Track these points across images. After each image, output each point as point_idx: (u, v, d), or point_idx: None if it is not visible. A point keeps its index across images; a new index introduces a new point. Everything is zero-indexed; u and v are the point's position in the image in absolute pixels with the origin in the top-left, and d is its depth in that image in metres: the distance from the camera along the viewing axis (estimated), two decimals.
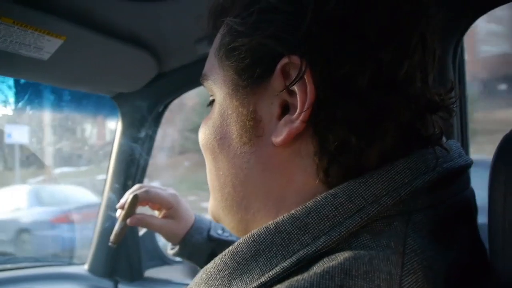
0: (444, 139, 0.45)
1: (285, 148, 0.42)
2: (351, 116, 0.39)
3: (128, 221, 0.83)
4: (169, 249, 0.92)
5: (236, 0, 0.44)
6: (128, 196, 0.85)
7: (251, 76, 0.43)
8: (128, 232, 1.34)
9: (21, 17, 0.77)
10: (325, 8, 0.38)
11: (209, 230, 0.89)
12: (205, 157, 0.51)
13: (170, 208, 0.87)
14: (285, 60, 0.40)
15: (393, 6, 0.39)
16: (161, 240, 1.45)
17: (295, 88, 0.40)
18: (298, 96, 0.40)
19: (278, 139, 0.42)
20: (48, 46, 0.88)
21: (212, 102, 0.50)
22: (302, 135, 0.41)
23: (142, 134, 1.33)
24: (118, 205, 0.86)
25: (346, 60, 0.38)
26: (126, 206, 0.83)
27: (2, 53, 0.85)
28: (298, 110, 0.40)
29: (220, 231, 0.90)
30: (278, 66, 0.41)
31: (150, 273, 1.43)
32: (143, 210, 0.88)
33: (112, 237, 0.85)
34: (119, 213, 0.85)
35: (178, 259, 1.42)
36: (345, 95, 0.39)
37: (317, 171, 0.41)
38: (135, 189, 0.86)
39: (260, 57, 0.42)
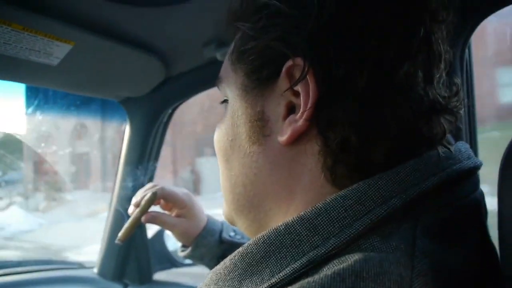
0: (452, 140, 0.45)
1: (291, 147, 0.44)
2: (351, 115, 0.39)
3: (142, 218, 0.83)
4: (179, 251, 0.92)
5: (248, 5, 0.45)
6: (142, 194, 0.84)
7: (259, 78, 0.45)
8: (137, 235, 1.36)
9: (31, 24, 0.78)
10: (327, 11, 0.39)
11: (221, 232, 0.89)
12: (218, 159, 0.52)
13: (184, 208, 0.87)
14: (290, 62, 0.42)
15: (394, 8, 0.39)
16: (170, 244, 1.46)
17: (299, 88, 0.41)
18: (301, 96, 0.41)
19: (283, 138, 0.43)
20: (57, 51, 0.89)
21: (224, 101, 0.52)
22: (307, 134, 0.42)
23: (150, 138, 1.33)
24: (133, 202, 0.85)
25: (345, 60, 0.39)
26: (142, 203, 0.83)
27: (12, 59, 0.86)
28: (301, 109, 0.41)
29: (232, 233, 0.90)
30: (284, 68, 0.42)
31: (159, 276, 1.44)
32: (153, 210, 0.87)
33: (120, 234, 0.84)
34: (132, 210, 0.85)
35: (187, 262, 1.42)
36: (345, 95, 0.39)
37: (323, 170, 0.42)
38: (148, 187, 0.86)
39: (268, 59, 0.44)
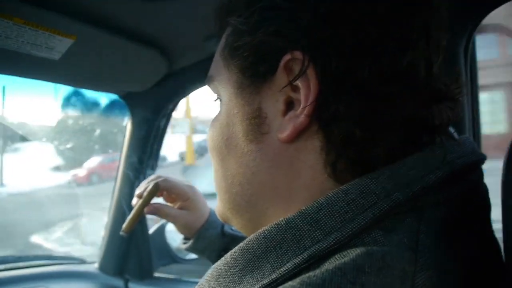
0: (455, 133, 0.45)
1: (291, 144, 0.42)
2: (354, 109, 0.39)
3: (145, 209, 0.83)
4: (181, 243, 0.92)
5: (238, 0, 0.44)
6: (145, 185, 0.84)
7: (255, 74, 0.44)
8: (138, 230, 1.36)
9: (33, 18, 0.78)
10: (325, 2, 0.38)
11: (223, 225, 0.89)
12: (212, 158, 0.51)
13: (187, 200, 0.86)
14: (288, 56, 0.40)
15: None
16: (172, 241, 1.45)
17: (299, 83, 0.40)
18: (301, 91, 0.40)
19: (283, 135, 0.42)
20: (59, 46, 0.88)
21: (217, 99, 0.51)
22: (308, 130, 0.41)
23: (152, 132, 1.33)
24: (136, 193, 0.85)
25: (346, 52, 0.38)
26: (145, 194, 0.83)
27: (14, 53, 0.86)
28: (302, 105, 0.40)
29: (234, 227, 0.89)
30: (281, 63, 0.41)
31: (160, 271, 1.44)
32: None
33: (124, 225, 0.84)
34: (136, 202, 0.85)
35: (188, 257, 1.42)
36: (347, 88, 0.39)
37: (325, 166, 0.41)
38: (152, 178, 0.86)
39: (263, 54, 0.42)
